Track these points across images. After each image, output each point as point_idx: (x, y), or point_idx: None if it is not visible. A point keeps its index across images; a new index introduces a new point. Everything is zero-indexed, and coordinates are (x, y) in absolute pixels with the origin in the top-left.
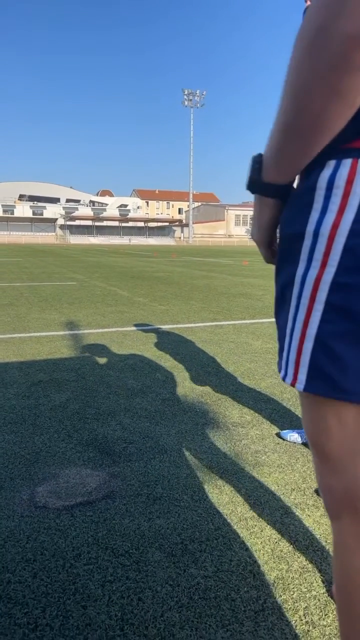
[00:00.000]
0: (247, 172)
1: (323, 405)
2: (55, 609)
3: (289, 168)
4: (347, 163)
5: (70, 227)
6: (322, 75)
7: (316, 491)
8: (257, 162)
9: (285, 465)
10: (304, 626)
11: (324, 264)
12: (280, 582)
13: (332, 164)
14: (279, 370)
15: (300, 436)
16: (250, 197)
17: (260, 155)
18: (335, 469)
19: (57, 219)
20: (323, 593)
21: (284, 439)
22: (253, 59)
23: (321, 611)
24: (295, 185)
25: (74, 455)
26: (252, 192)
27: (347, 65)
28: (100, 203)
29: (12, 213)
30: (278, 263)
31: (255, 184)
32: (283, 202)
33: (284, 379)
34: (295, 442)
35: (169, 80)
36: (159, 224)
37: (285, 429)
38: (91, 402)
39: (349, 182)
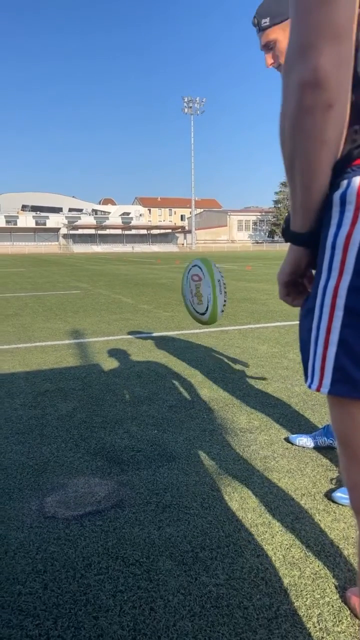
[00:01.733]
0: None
1: (349, 406)
2: (67, 620)
3: (301, 214)
4: (356, 180)
5: (73, 236)
6: (289, 117)
7: (327, 495)
8: (287, 217)
9: (295, 470)
10: (318, 633)
11: (340, 273)
12: (293, 588)
13: (344, 183)
14: (305, 380)
15: (310, 440)
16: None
17: None
18: None
19: (60, 228)
20: (337, 599)
21: (292, 444)
22: (254, 63)
23: (335, 617)
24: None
25: (82, 464)
26: (285, 240)
27: (301, 107)
28: (103, 212)
29: (16, 223)
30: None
31: (284, 232)
32: (310, 249)
33: (309, 386)
34: (304, 447)
35: (170, 88)
36: (162, 231)
37: (293, 434)
38: (98, 410)
39: (359, 195)
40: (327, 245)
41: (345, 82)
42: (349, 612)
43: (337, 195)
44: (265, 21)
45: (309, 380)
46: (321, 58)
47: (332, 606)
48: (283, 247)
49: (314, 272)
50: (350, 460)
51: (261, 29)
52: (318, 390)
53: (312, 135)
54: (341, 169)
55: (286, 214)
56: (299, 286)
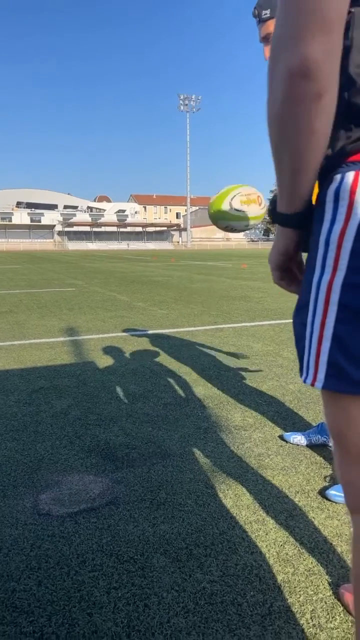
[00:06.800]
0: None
1: (343, 401)
2: (61, 616)
3: (288, 197)
4: (350, 175)
5: (68, 234)
6: (277, 106)
7: (320, 493)
8: (274, 198)
9: (289, 467)
10: (311, 629)
11: (335, 269)
12: (287, 585)
13: (337, 178)
14: (300, 374)
15: (304, 438)
16: None
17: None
18: (357, 464)
19: (55, 225)
20: (330, 595)
21: (287, 441)
22: (251, 60)
23: (328, 614)
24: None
25: (76, 461)
26: (272, 221)
27: (290, 97)
28: (98, 209)
29: (10, 220)
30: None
31: (272, 215)
32: (300, 230)
33: (304, 380)
34: (298, 444)
35: (167, 86)
36: (157, 228)
37: (288, 431)
38: (93, 408)
39: (352, 192)
40: (321, 241)
41: (334, 73)
42: (342, 608)
43: (330, 192)
44: (266, 13)
45: (304, 374)
46: (310, 48)
47: (326, 603)
48: None
49: (304, 256)
50: (345, 456)
51: (261, 21)
52: (312, 384)
53: (301, 125)
54: (335, 163)
55: (272, 196)
56: (292, 270)
